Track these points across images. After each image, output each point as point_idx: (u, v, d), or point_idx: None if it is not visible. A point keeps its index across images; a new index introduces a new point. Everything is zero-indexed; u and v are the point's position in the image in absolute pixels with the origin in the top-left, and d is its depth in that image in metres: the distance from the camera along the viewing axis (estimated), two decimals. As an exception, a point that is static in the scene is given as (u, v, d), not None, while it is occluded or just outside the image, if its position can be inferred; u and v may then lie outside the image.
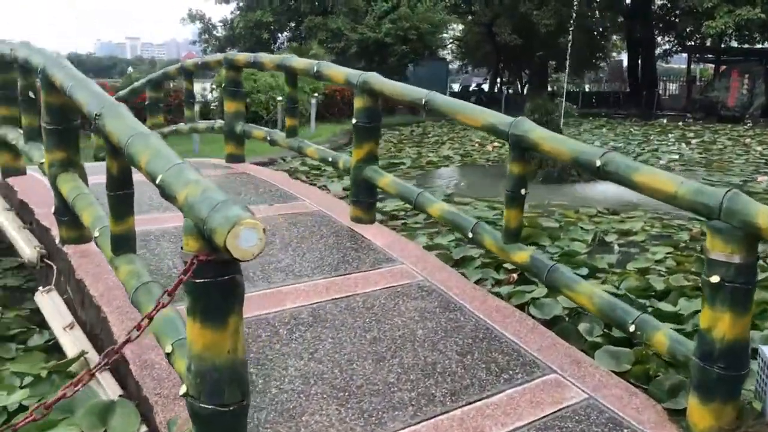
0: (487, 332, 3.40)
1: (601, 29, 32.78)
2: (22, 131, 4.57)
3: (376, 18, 25.40)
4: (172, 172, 2.27)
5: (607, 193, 8.31)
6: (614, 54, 41.95)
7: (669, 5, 31.08)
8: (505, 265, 4.65)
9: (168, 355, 2.47)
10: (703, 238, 3.09)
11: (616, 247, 6.20)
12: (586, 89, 39.68)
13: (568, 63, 17.35)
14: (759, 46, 29.29)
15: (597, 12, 31.73)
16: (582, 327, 3.67)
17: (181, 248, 2.12)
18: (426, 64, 28.94)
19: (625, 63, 38.87)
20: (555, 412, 2.79)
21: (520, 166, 3.43)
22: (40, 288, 3.72)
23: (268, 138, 5.51)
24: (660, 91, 33.17)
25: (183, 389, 2.22)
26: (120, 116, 2.77)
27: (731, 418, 2.55)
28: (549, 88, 28.57)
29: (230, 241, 1.92)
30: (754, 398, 2.82)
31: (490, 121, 3.52)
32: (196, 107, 12.60)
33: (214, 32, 29.85)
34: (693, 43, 31.17)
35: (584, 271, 5.08)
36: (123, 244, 3.01)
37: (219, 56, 5.97)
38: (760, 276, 4.35)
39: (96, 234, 3.19)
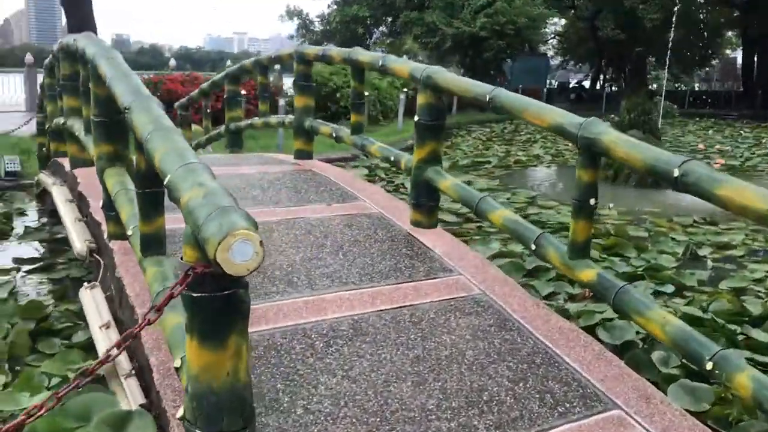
0: (546, 357, 3.05)
1: (711, 25, 30.92)
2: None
3: (472, 12, 24.93)
4: (180, 172, 2.08)
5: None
6: (728, 51, 39.69)
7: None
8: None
9: (177, 369, 2.29)
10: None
11: (709, 262, 5.64)
12: (696, 88, 37.68)
13: (668, 60, 16.32)
14: None
15: (708, 6, 29.97)
16: (656, 356, 3.26)
17: (180, 258, 1.92)
18: (525, 59, 28.25)
19: (740, 61, 36.65)
20: (612, 458, 2.43)
21: (590, 173, 3.05)
22: (85, 283, 3.66)
23: (334, 135, 5.31)
24: (776, 91, 31.03)
25: (180, 411, 2.03)
26: (147, 110, 2.62)
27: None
28: (651, 86, 27.21)
29: (221, 254, 1.69)
30: None
31: (557, 121, 3.16)
32: (282, 101, 12.72)
33: (311, 27, 30.18)
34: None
35: (669, 288, 4.63)
36: (151, 244, 2.87)
37: (290, 49, 5.82)
38: None
39: (129, 232, 3.06)
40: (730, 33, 34.96)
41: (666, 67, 17.73)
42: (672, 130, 21.29)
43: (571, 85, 40.11)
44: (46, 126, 6.67)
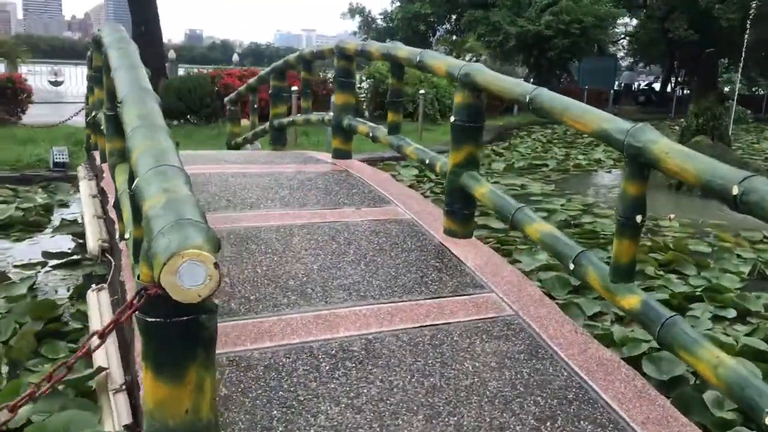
0: (580, 392, 2.70)
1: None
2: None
3: (538, 10, 24.29)
4: (148, 175, 1.83)
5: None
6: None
7: None
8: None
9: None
10: None
11: (779, 284, 5.12)
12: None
13: (742, 62, 15.40)
14: None
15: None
16: (709, 396, 2.86)
17: (138, 276, 1.67)
18: (593, 60, 27.43)
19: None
20: None
21: (638, 186, 2.68)
22: (93, 285, 3.48)
23: (371, 134, 5.03)
24: None
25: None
26: (139, 104, 2.38)
27: None
28: (724, 89, 25.93)
29: (166, 277, 1.43)
30: None
31: (602, 126, 2.80)
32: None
33: (374, 25, 29.99)
34: None
35: (731, 312, 4.19)
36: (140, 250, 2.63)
37: (332, 45, 5.57)
38: None
39: (127, 235, 2.85)
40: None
41: (740, 70, 16.76)
42: (746, 137, 20.23)
43: (639, 87, 38.79)
44: (87, 118, 6.63)
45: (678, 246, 5.87)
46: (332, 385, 2.61)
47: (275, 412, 2.44)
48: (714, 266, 5.37)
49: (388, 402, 2.54)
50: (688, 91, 31.90)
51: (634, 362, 3.10)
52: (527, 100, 3.22)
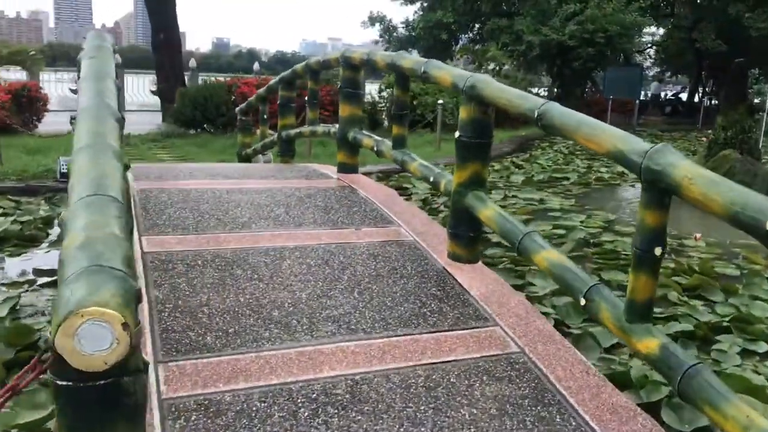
0: (590, 446, 2.40)
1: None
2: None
3: (563, 19, 23.89)
4: (76, 207, 1.57)
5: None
6: None
7: None
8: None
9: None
10: None
11: (815, 314, 4.74)
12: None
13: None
14: None
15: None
16: (738, 453, 2.52)
17: (49, 333, 1.41)
18: (618, 69, 26.93)
19: None
20: None
21: (657, 215, 2.37)
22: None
23: (375, 148, 4.75)
24: None
25: None
26: (93, 119, 2.14)
27: None
28: (753, 101, 25.29)
29: (61, 340, 1.17)
30: None
31: (617, 146, 2.49)
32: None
33: (395, 33, 29.74)
34: None
35: (762, 346, 3.84)
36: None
37: (337, 54, 5.31)
38: None
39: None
40: None
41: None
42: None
43: (666, 97, 38.11)
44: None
45: (704, 269, 5.51)
46: (309, 436, 2.33)
47: (242, 467, 2.17)
48: (743, 292, 5.01)
49: (371, 456, 2.26)
50: (716, 102, 31.24)
51: (653, 409, 2.78)
52: (536, 116, 2.92)
